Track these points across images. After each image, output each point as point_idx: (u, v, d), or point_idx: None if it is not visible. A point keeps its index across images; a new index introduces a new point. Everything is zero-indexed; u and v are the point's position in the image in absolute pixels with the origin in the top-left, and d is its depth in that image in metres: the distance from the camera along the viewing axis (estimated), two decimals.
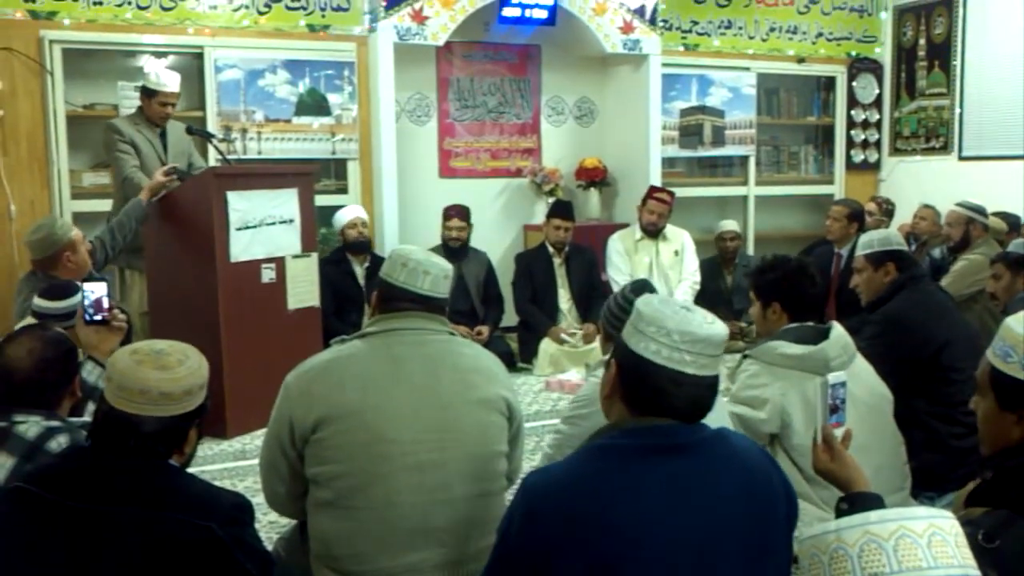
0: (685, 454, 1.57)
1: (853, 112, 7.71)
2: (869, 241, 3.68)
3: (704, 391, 1.60)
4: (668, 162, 6.94)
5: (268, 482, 2.23)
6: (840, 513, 1.63)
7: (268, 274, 4.42)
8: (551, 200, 6.29)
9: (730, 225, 6.61)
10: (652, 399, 1.60)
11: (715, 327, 1.61)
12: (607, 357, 1.70)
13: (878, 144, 7.80)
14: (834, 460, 1.88)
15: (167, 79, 4.85)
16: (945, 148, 7.25)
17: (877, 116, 7.76)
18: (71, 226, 3.84)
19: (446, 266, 2.25)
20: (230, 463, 3.98)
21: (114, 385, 1.75)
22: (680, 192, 6.13)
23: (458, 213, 5.77)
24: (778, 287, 3.04)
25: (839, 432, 1.94)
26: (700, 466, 1.57)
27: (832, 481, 1.88)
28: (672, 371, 1.57)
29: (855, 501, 1.71)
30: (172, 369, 1.77)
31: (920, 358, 3.37)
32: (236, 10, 5.77)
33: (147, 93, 4.85)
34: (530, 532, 1.53)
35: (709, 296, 6.27)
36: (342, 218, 5.57)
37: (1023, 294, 4.17)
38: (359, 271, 5.53)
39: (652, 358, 1.57)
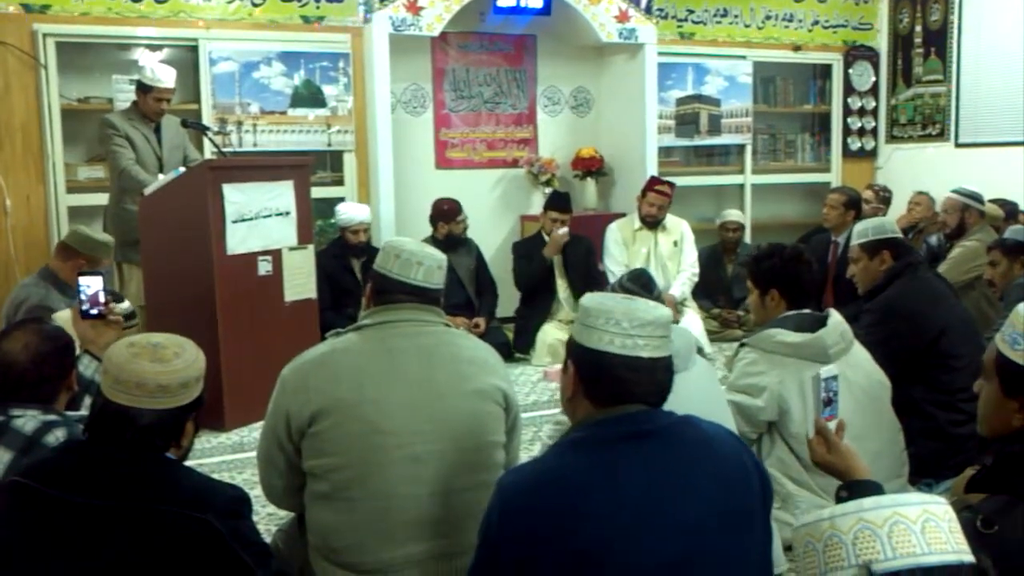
0: (655, 438, 1.59)
1: (849, 100, 7.69)
2: (864, 230, 3.66)
3: (661, 373, 1.64)
4: (664, 151, 6.92)
5: (265, 475, 2.23)
6: (840, 501, 1.63)
7: (265, 266, 4.41)
8: (547, 190, 6.27)
9: (734, 215, 6.58)
10: (614, 389, 1.62)
11: (660, 310, 1.65)
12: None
13: (875, 132, 7.78)
14: (831, 452, 1.88)
15: (162, 74, 4.82)
16: (942, 135, 7.24)
17: (873, 103, 7.74)
18: (112, 255, 4.38)
19: (439, 256, 2.24)
20: (228, 456, 3.98)
21: (111, 378, 1.76)
22: (677, 181, 6.10)
23: (459, 207, 5.73)
24: (775, 274, 3.05)
25: (832, 425, 1.95)
26: (672, 449, 1.59)
27: (832, 472, 1.88)
28: (628, 357, 1.60)
29: (855, 489, 1.71)
30: (169, 362, 1.77)
31: (918, 345, 3.37)
32: (230, 2, 5.75)
33: (142, 88, 4.84)
34: (510, 530, 1.55)
35: (709, 285, 6.25)
36: (347, 219, 5.46)
37: (1020, 280, 4.17)
38: (356, 265, 5.51)
39: (607, 348, 1.61)
